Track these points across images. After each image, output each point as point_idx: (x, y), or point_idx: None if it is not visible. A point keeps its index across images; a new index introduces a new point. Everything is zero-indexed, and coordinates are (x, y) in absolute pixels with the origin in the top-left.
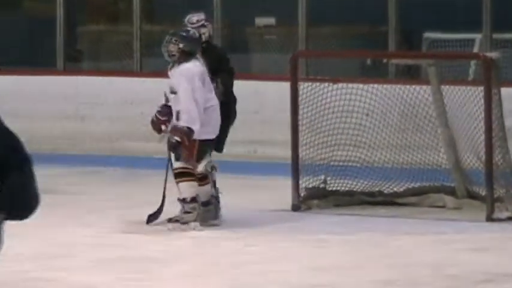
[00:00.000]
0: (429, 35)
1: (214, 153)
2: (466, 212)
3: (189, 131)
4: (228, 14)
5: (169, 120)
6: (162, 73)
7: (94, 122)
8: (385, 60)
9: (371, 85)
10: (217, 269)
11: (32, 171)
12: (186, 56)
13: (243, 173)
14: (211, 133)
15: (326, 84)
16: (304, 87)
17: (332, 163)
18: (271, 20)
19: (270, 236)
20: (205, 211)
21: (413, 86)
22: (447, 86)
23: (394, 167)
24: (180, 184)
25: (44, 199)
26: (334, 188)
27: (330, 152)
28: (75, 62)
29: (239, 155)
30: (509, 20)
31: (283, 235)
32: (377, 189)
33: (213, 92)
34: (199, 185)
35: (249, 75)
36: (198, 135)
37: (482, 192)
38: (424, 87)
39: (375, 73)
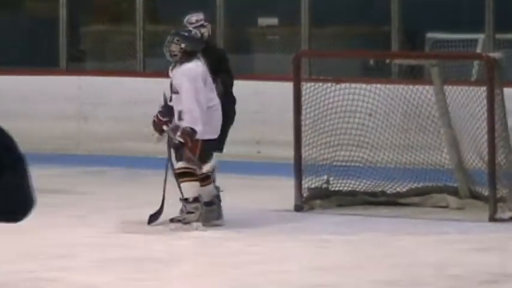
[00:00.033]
0: (432, 35)
1: (215, 153)
2: (469, 212)
3: (192, 131)
4: (230, 14)
5: (170, 121)
6: (165, 73)
7: (97, 122)
8: (388, 61)
9: (374, 85)
10: (220, 269)
11: (26, 171)
12: (187, 56)
13: (246, 173)
14: (214, 133)
15: (329, 84)
16: (307, 87)
17: (335, 163)
18: (274, 20)
19: (272, 236)
20: (208, 211)
21: (416, 86)
22: (450, 86)
23: (397, 167)
24: (182, 184)
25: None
26: (336, 188)
27: (333, 152)
28: (78, 62)
29: (242, 155)
30: None
31: (286, 235)
32: (380, 189)
33: (215, 92)
34: (202, 185)
35: (252, 75)
36: (200, 135)
37: (485, 192)
38: (427, 87)
39: (378, 73)
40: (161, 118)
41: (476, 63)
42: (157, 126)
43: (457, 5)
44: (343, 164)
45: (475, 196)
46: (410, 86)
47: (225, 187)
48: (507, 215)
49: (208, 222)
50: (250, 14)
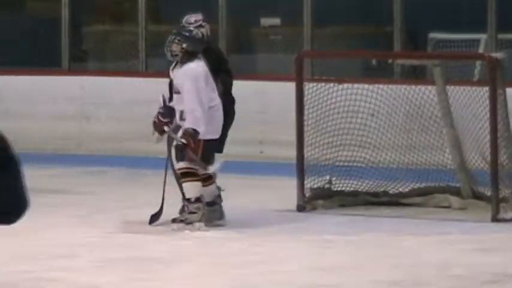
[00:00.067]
0: (434, 35)
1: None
2: (472, 212)
3: (194, 132)
4: (233, 14)
5: (171, 122)
6: (166, 73)
7: (99, 122)
8: (390, 61)
9: (376, 85)
10: (221, 269)
11: (19, 171)
12: (189, 56)
13: (248, 173)
14: (215, 133)
15: (331, 84)
16: (309, 87)
17: (337, 163)
18: (276, 21)
19: (274, 236)
20: (211, 211)
21: (419, 87)
22: (452, 87)
23: (399, 167)
24: (184, 184)
25: (47, 199)
26: (339, 189)
27: (335, 153)
28: (80, 62)
29: (244, 155)
30: None
31: (288, 235)
32: (382, 189)
33: (216, 92)
34: (204, 186)
35: (254, 75)
36: (202, 136)
37: (488, 192)
38: (430, 87)
39: (380, 73)
40: (162, 119)
41: (478, 63)
42: (158, 127)
43: (459, 5)
44: (346, 164)
45: (478, 196)
46: (413, 86)
47: (227, 187)
48: (509, 215)
49: (211, 222)
50: (252, 14)
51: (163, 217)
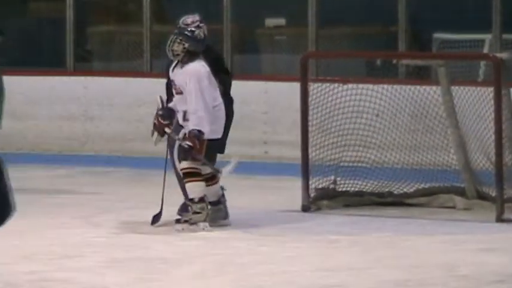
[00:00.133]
0: (439, 35)
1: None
2: (476, 212)
3: (199, 133)
4: (238, 15)
5: (171, 123)
6: (166, 73)
7: (103, 122)
8: (395, 61)
9: (381, 86)
10: (227, 269)
11: (2, 174)
12: (190, 56)
13: (253, 173)
14: (218, 132)
15: (336, 84)
16: (314, 87)
17: (342, 164)
18: (281, 21)
19: (279, 236)
20: (215, 211)
21: (423, 87)
22: (457, 87)
23: (404, 167)
24: (188, 185)
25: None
26: (344, 189)
27: (340, 153)
28: (85, 62)
29: (249, 155)
30: None
31: (293, 235)
32: (387, 189)
33: (218, 91)
34: (208, 185)
35: (259, 75)
36: (206, 135)
37: (492, 193)
38: (434, 87)
39: (385, 74)
40: (162, 121)
41: (483, 63)
42: (159, 129)
43: (464, 5)
44: (350, 164)
45: (482, 196)
46: (418, 87)
47: (232, 187)
48: None
49: (216, 222)
50: (257, 14)
51: (165, 218)
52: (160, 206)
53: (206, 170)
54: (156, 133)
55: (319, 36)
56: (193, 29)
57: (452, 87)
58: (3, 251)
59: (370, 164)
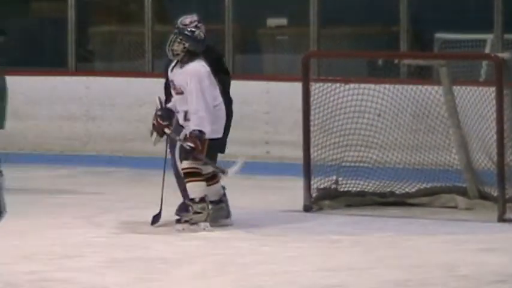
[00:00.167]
0: (441, 35)
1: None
2: (478, 212)
3: (200, 133)
4: (239, 15)
5: (171, 124)
6: (165, 74)
7: (105, 122)
8: (396, 61)
9: (382, 86)
10: (228, 269)
11: None
12: (190, 55)
13: (254, 173)
14: (219, 132)
15: (338, 84)
16: (315, 87)
17: (344, 164)
18: (283, 21)
19: (281, 236)
20: (217, 209)
21: (425, 87)
22: (459, 87)
23: (406, 167)
24: (188, 184)
25: (54, 199)
26: (345, 189)
27: (342, 153)
28: (87, 62)
29: (250, 155)
30: None
31: (295, 235)
32: (389, 189)
33: (218, 90)
34: (209, 185)
35: (261, 75)
36: (207, 135)
37: (494, 192)
38: (436, 87)
39: (387, 74)
40: (161, 122)
41: (485, 63)
42: (158, 129)
43: (465, 5)
44: (352, 164)
45: (484, 196)
46: (419, 87)
47: (234, 187)
48: None
49: (218, 221)
50: (259, 14)
51: (165, 218)
52: (160, 206)
53: (207, 169)
54: (155, 134)
55: (320, 36)
56: (193, 29)
57: (454, 87)
58: (4, 251)
59: (372, 164)
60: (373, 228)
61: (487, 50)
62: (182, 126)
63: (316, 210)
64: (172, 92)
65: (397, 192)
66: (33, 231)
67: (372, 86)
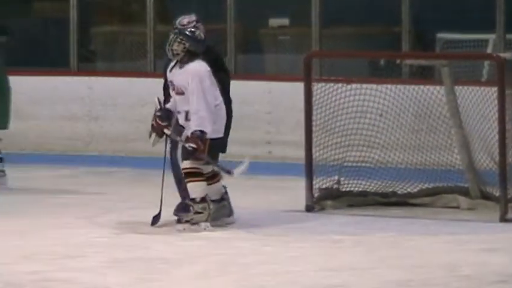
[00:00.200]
0: (443, 35)
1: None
2: (480, 212)
3: (202, 133)
4: (241, 15)
5: (170, 125)
6: (164, 74)
7: (107, 122)
8: (398, 61)
9: (384, 86)
10: (230, 269)
11: None
12: (190, 55)
13: (256, 173)
14: (220, 131)
15: (340, 84)
16: (317, 87)
17: (346, 164)
18: (285, 21)
19: (283, 236)
20: (219, 208)
21: (427, 87)
22: (461, 87)
23: (408, 167)
24: (189, 184)
25: (56, 199)
26: (347, 189)
27: (344, 153)
28: (89, 62)
29: (252, 155)
30: None
31: (297, 236)
32: (391, 189)
33: (218, 90)
34: (210, 184)
35: (263, 75)
36: (208, 135)
37: (496, 192)
38: (438, 87)
39: (389, 74)
40: (160, 122)
41: (487, 63)
42: (158, 130)
43: (467, 5)
44: (354, 164)
45: (486, 196)
46: (421, 87)
47: (236, 187)
48: None
49: (220, 219)
50: (260, 14)
51: (166, 218)
52: (159, 206)
53: (207, 168)
54: (154, 134)
55: (322, 36)
56: (193, 29)
57: (456, 87)
58: (6, 251)
59: (373, 164)
60: (375, 228)
61: (489, 50)
62: (182, 127)
63: (318, 210)
64: (172, 92)
65: (399, 192)
66: (35, 231)
67: (374, 86)
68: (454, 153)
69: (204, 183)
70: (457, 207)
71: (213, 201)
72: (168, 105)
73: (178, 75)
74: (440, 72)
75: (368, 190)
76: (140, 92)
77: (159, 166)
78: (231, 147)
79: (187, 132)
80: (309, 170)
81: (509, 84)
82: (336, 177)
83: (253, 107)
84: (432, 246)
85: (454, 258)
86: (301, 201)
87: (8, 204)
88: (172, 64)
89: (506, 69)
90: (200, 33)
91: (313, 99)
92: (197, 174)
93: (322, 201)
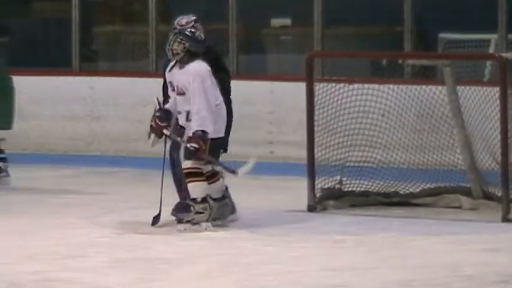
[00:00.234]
0: (445, 35)
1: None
2: (482, 212)
3: (203, 133)
4: (243, 15)
5: (169, 125)
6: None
7: (109, 122)
8: (400, 61)
9: (386, 86)
10: (232, 269)
11: None
12: (190, 55)
13: (258, 173)
14: (221, 131)
15: (342, 84)
16: (319, 87)
17: (348, 164)
18: (287, 21)
19: (285, 236)
20: (222, 205)
21: (429, 87)
22: (463, 87)
23: (410, 167)
24: (189, 185)
25: (57, 199)
26: (349, 189)
27: (346, 153)
28: (91, 62)
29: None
30: None
31: (299, 235)
32: (393, 189)
33: (218, 89)
34: (210, 183)
35: (265, 75)
36: (210, 135)
37: (498, 192)
38: (440, 87)
39: (391, 74)
40: (159, 123)
41: (488, 63)
42: (157, 130)
43: (469, 5)
44: (356, 164)
45: (488, 196)
46: (423, 87)
47: (238, 187)
48: None
49: (224, 216)
50: (263, 14)
51: (167, 218)
52: (159, 206)
53: (207, 168)
54: (153, 135)
55: (324, 36)
56: (192, 29)
57: (458, 87)
58: (7, 251)
59: (376, 164)
60: (377, 228)
61: (491, 50)
62: (182, 127)
63: (320, 210)
64: (171, 93)
65: (401, 192)
66: (37, 231)
67: (376, 86)
68: (456, 153)
69: (205, 183)
70: (459, 207)
71: (214, 199)
72: (167, 106)
73: (178, 76)
74: (443, 72)
75: (370, 190)
76: (142, 92)
77: (160, 166)
78: (233, 148)
79: (189, 132)
80: (311, 170)
81: (511, 84)
82: (338, 177)
83: (255, 107)
84: (434, 246)
85: (456, 258)
86: (303, 201)
87: (9, 204)
88: (171, 64)
89: (508, 69)
90: (200, 34)
91: (315, 99)
92: (198, 174)
93: (324, 201)
